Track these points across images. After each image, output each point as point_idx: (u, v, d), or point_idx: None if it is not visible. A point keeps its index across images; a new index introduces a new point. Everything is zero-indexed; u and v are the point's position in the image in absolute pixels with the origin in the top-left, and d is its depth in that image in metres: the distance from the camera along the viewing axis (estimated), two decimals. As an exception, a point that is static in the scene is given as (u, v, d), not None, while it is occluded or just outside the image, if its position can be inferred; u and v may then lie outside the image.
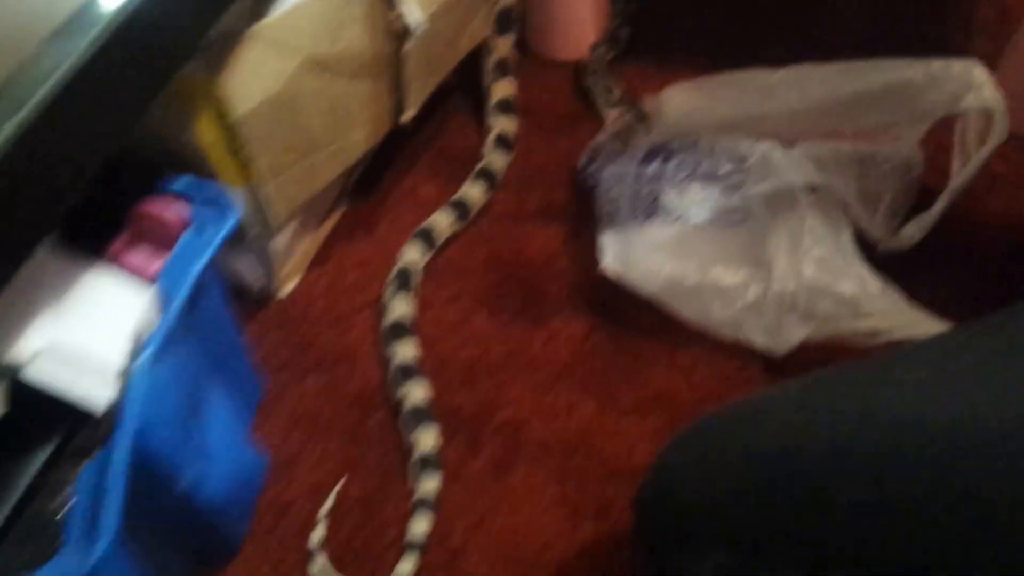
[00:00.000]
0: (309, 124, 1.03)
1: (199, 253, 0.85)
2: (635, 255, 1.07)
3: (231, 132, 0.95)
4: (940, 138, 1.11)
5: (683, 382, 1.05)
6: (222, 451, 0.92)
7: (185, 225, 0.87)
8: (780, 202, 1.05)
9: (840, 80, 1.10)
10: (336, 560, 0.94)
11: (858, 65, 1.09)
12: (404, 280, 1.12)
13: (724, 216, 1.08)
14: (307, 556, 0.94)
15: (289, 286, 1.14)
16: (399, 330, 1.08)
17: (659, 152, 1.14)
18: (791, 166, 1.04)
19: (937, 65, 1.06)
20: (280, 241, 1.09)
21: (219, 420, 0.94)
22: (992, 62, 1.11)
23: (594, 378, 1.05)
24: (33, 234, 0.73)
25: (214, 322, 0.93)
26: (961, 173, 1.07)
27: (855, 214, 1.06)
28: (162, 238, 0.88)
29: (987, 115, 1.05)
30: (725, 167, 1.09)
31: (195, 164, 0.94)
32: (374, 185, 1.24)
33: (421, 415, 1.01)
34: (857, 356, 0.96)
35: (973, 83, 1.05)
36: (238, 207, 0.88)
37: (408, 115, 1.14)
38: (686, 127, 1.15)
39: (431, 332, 1.10)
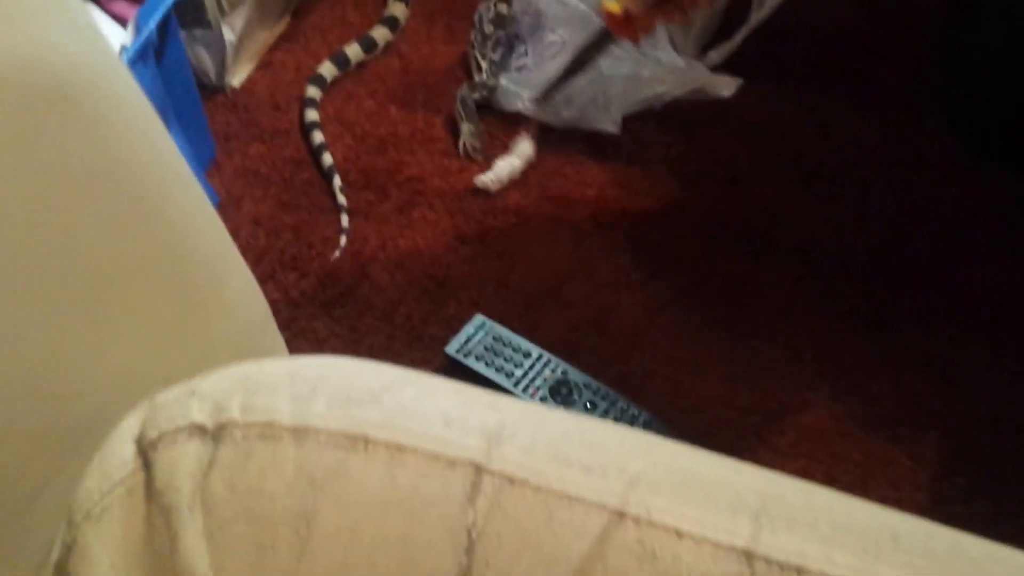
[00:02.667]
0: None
1: (169, -3, 1.07)
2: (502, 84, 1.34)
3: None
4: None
5: (549, 154, 1.29)
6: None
7: None
8: (580, 24, 1.31)
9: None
10: (273, 265, 1.16)
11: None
12: (318, 80, 1.36)
13: (547, 53, 1.33)
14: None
15: (239, 79, 1.36)
16: (311, 103, 1.34)
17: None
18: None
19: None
20: (231, 36, 1.31)
21: (182, 150, 1.15)
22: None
23: (482, 151, 1.28)
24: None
25: (177, 73, 1.16)
26: (756, 14, 1.35)
27: (672, 31, 1.32)
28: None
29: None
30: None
31: None
32: (311, 11, 1.46)
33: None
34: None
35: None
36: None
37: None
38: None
39: (352, 118, 1.33)
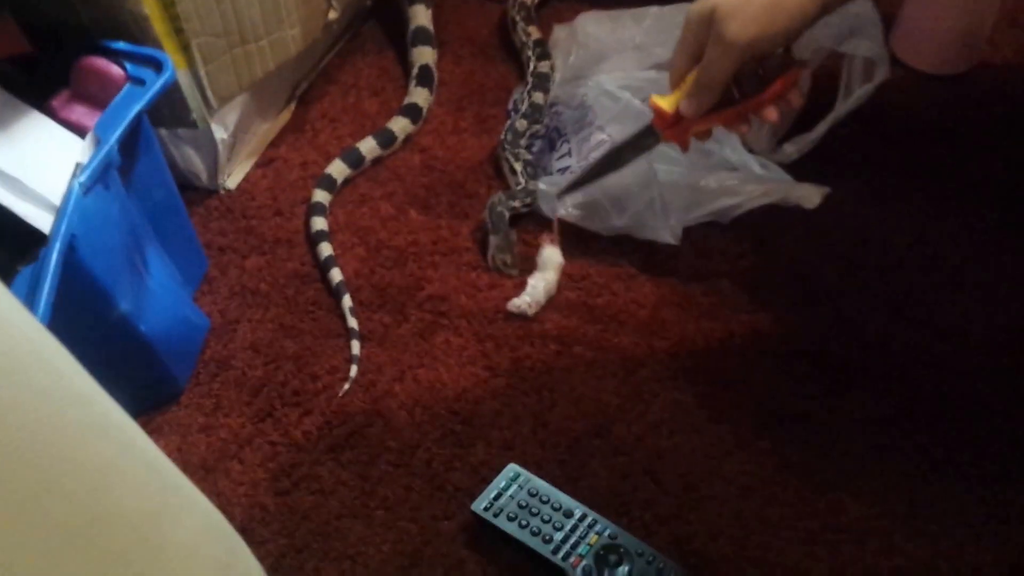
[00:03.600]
0: (245, 12, 1.27)
1: (137, 100, 1.08)
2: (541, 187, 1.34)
3: (170, 7, 1.18)
4: (834, 69, 1.39)
5: (596, 266, 1.30)
6: (164, 299, 1.16)
7: (125, 81, 1.10)
8: (632, 119, 1.31)
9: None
10: (272, 401, 1.17)
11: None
12: (327, 182, 1.39)
13: (593, 156, 1.35)
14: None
15: (235, 180, 1.39)
16: (318, 209, 1.36)
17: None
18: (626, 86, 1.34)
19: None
20: (223, 134, 1.33)
21: (162, 274, 1.18)
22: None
23: (516, 265, 1.30)
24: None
25: (153, 182, 1.18)
26: (842, 105, 1.36)
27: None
28: (102, 97, 1.09)
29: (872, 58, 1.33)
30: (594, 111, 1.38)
31: (138, 38, 1.17)
32: (320, 98, 1.49)
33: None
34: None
35: (862, 27, 1.34)
36: (173, 67, 1.11)
37: (333, 15, 1.41)
38: (596, 51, 1.43)
39: (366, 224, 1.35)
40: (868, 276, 1.29)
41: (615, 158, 1.17)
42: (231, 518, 1.07)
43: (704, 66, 1.00)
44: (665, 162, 1.28)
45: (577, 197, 1.31)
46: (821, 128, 1.36)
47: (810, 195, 1.28)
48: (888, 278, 1.28)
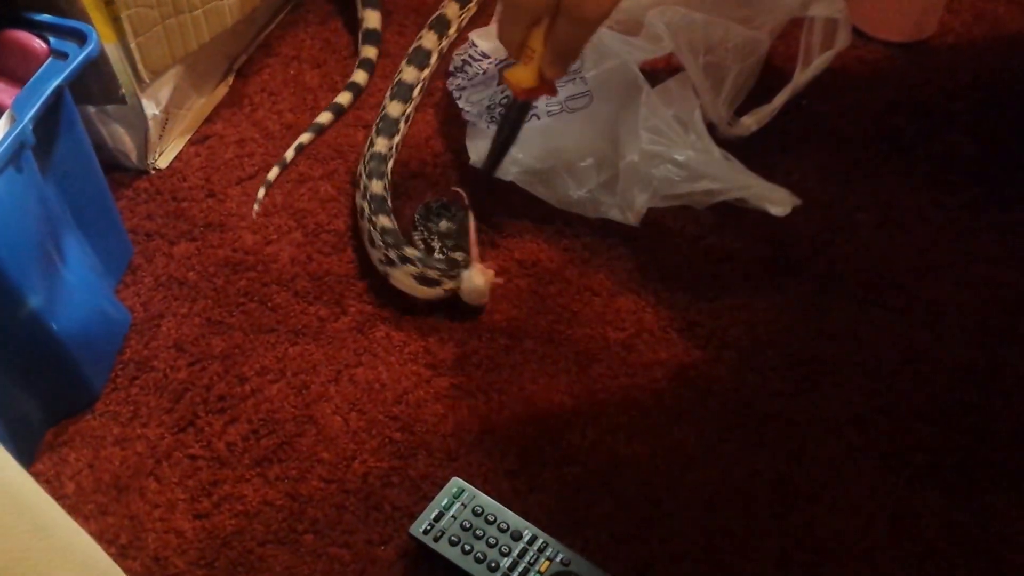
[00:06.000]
0: (178, -20, 1.02)
1: (56, 75, 0.84)
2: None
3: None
4: (791, 39, 1.16)
5: (547, 250, 1.05)
6: (82, 293, 0.91)
7: (48, 55, 0.87)
8: (620, 82, 1.05)
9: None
10: (195, 407, 0.93)
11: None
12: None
13: (568, 104, 1.08)
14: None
15: (167, 159, 1.13)
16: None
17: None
18: (623, 46, 1.05)
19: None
20: (155, 110, 1.08)
21: (81, 264, 0.93)
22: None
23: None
24: None
25: (75, 163, 0.93)
26: (802, 73, 1.12)
27: (699, 89, 1.07)
28: (24, 73, 0.86)
29: (833, 23, 1.08)
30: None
31: (65, 10, 0.94)
32: (260, 71, 1.23)
33: None
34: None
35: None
36: (97, 40, 0.87)
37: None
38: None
39: (304, 206, 1.10)
40: (835, 258, 1.04)
41: (506, 138, 1.02)
42: (143, 546, 0.83)
43: (561, 40, 0.86)
44: (625, 130, 1.03)
45: (533, 164, 1.06)
46: (780, 98, 1.12)
47: (782, 200, 1.03)
48: (855, 260, 1.04)
